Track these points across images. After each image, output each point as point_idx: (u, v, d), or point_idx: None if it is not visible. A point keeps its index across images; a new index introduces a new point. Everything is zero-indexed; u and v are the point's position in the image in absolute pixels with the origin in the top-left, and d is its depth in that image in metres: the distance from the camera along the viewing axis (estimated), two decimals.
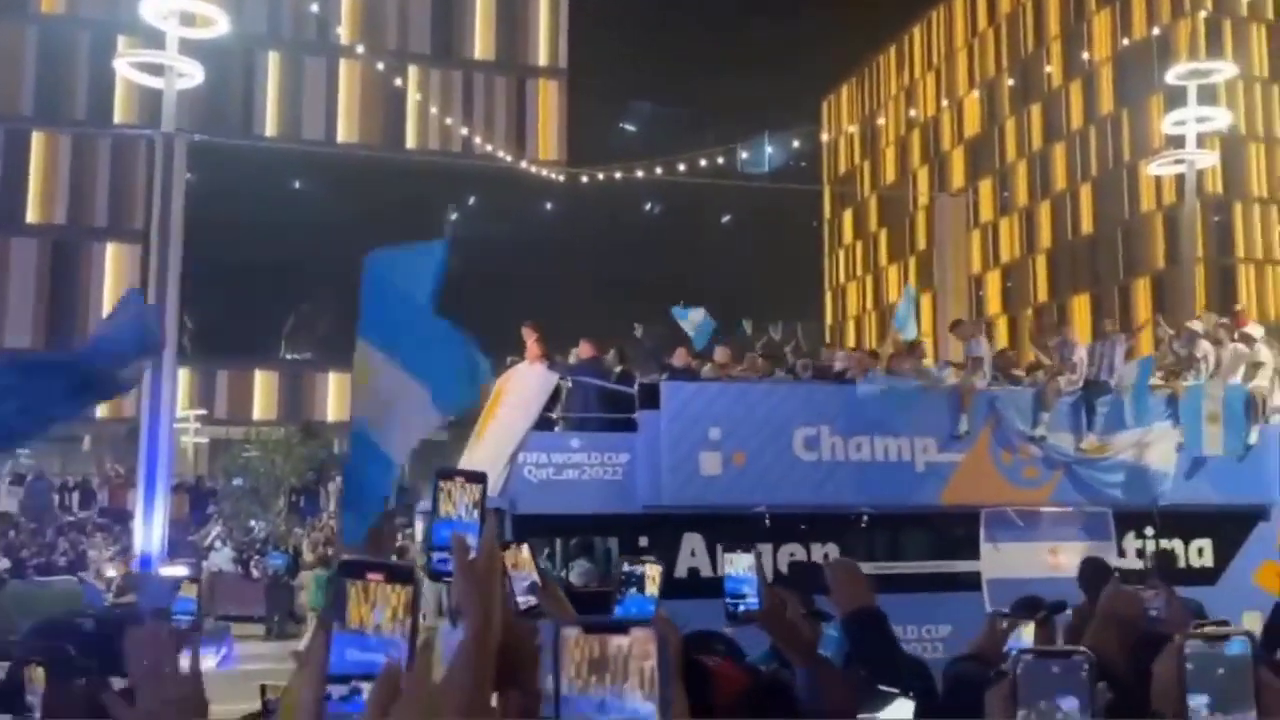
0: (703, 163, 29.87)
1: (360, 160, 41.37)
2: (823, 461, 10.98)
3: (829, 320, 65.74)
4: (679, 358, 12.18)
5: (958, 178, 57.29)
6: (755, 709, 2.19)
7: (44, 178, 39.26)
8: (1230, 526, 11.73)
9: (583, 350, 11.72)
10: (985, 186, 55.87)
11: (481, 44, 44.89)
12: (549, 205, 45.15)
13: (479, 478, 1.54)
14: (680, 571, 10.14)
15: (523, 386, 11.12)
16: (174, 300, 13.65)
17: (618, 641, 0.91)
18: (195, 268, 17.90)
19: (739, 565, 2.42)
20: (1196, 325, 13.10)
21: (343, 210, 39.63)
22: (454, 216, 46.53)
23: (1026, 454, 11.48)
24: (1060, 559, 10.66)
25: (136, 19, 16.11)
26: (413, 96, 40.53)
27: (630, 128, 61.28)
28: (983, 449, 11.40)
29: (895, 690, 2.33)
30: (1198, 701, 1.22)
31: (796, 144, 49.77)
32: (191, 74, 15.28)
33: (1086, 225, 49.65)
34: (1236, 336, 12.51)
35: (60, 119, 38.84)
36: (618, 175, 28.72)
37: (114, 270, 39.12)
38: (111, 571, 17.86)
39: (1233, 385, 11.78)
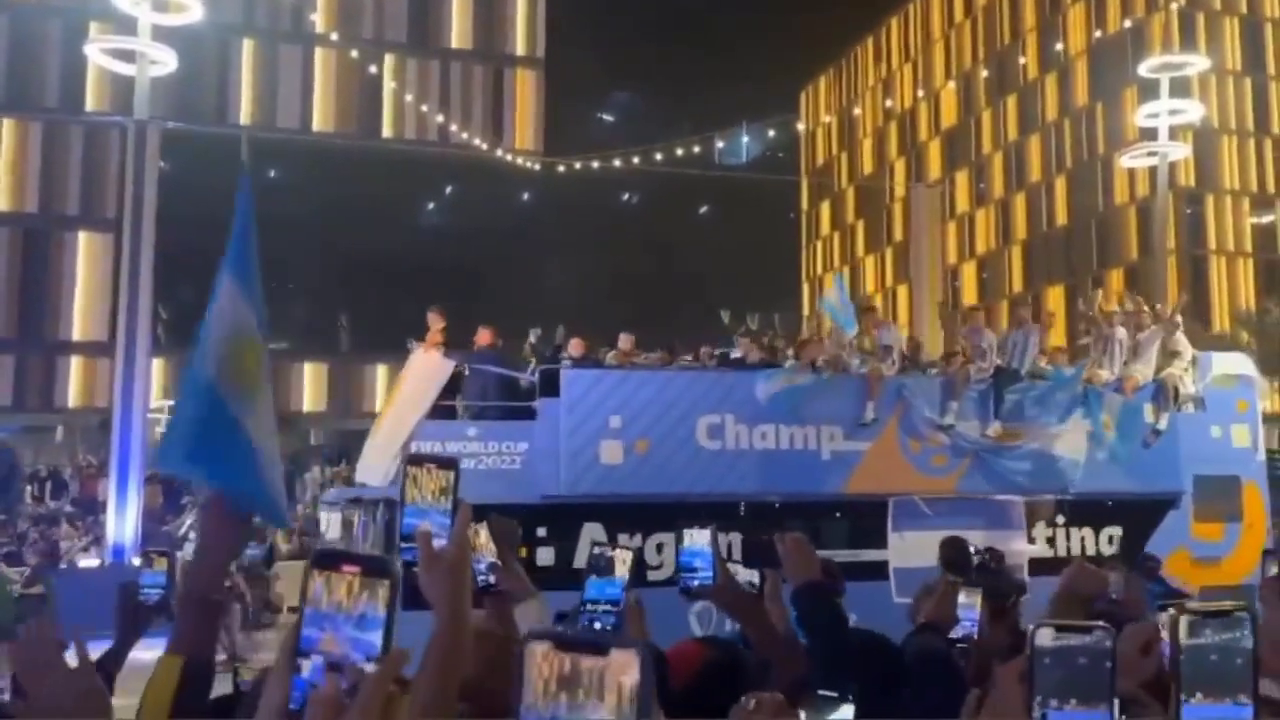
0: (679, 152, 29.86)
1: (336, 149, 41.09)
2: (726, 450, 10.88)
3: (807, 311, 65.97)
4: (574, 348, 12.14)
5: (934, 169, 57.57)
6: (709, 687, 2.23)
7: (14, 165, 38.74)
8: (1140, 515, 11.76)
9: (481, 338, 11.51)
10: (961, 178, 56.18)
11: (459, 33, 44.62)
12: (526, 195, 45.00)
13: (450, 463, 1.51)
14: (580, 561, 9.96)
15: (417, 374, 10.99)
16: (147, 290, 13.55)
17: (593, 662, 0.83)
18: (168, 257, 17.73)
19: (696, 541, 2.46)
20: (1115, 308, 13.17)
21: (318, 199, 39.36)
22: (430, 207, 46.30)
23: (935, 442, 11.43)
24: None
25: (109, 5, 15.94)
26: (389, 85, 40.26)
27: (608, 118, 61.17)
28: (890, 437, 11.37)
29: (835, 694, 2.36)
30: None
31: (774, 134, 49.88)
32: (164, 61, 15.14)
33: (1061, 217, 50.05)
34: (1151, 322, 12.44)
35: (31, 106, 38.32)
36: (595, 165, 28.67)
37: (86, 259, 38.68)
38: (84, 562, 17.72)
39: (1128, 402, 11.78)
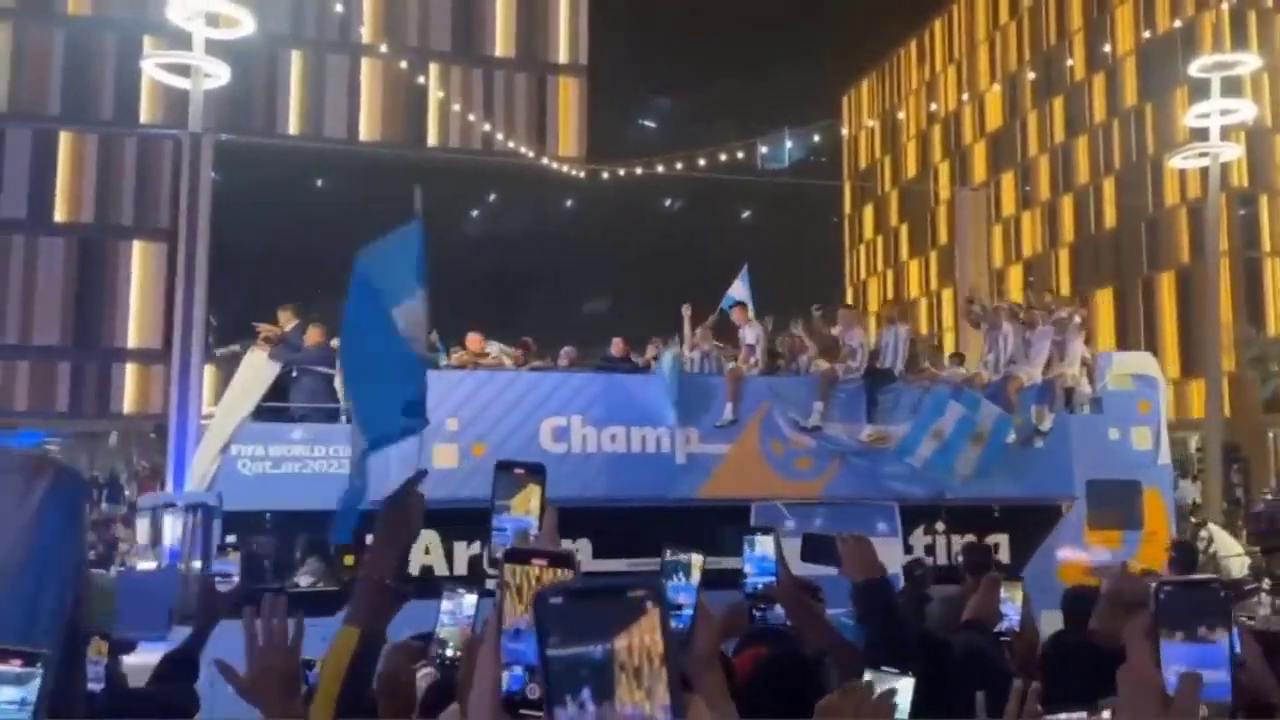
0: (722, 158, 29.88)
1: (382, 158, 41.62)
2: (572, 453, 10.40)
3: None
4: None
5: (979, 172, 56.98)
6: (769, 686, 2.29)
7: (71, 177, 39.71)
8: (1029, 521, 11.21)
9: (310, 336, 11.06)
10: (1007, 180, 55.55)
11: (502, 41, 45.03)
12: (569, 202, 45.26)
13: (540, 470, 1.60)
14: (413, 569, 9.67)
15: (243, 375, 10.70)
16: (201, 297, 13.85)
17: (611, 606, 0.84)
18: (220, 265, 18.11)
19: (761, 547, 2.54)
20: (1004, 308, 12.66)
21: (364, 207, 39.89)
22: (474, 213, 46.73)
23: (799, 444, 10.92)
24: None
25: (163, 20, 16.33)
26: (434, 94, 40.72)
27: (650, 123, 61.29)
28: (751, 439, 10.90)
29: (896, 670, 2.42)
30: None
31: (817, 139, 49.63)
32: (217, 74, 15.47)
33: (1109, 219, 49.30)
34: (1051, 319, 11.78)
35: (87, 119, 39.27)
36: (638, 171, 28.78)
37: (140, 268, 39.55)
38: (142, 565, 18.12)
39: (1002, 416, 11.02)
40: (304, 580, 9.82)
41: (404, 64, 35.61)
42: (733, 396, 10.89)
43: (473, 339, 11.91)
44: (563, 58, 45.75)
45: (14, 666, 1.46)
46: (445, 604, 3.04)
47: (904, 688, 2.18)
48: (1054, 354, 11.64)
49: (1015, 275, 54.87)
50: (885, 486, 10.96)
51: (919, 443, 10.84)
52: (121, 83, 38.15)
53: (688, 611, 1.74)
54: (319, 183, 43.54)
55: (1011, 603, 3.05)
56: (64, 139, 39.54)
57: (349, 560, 9.53)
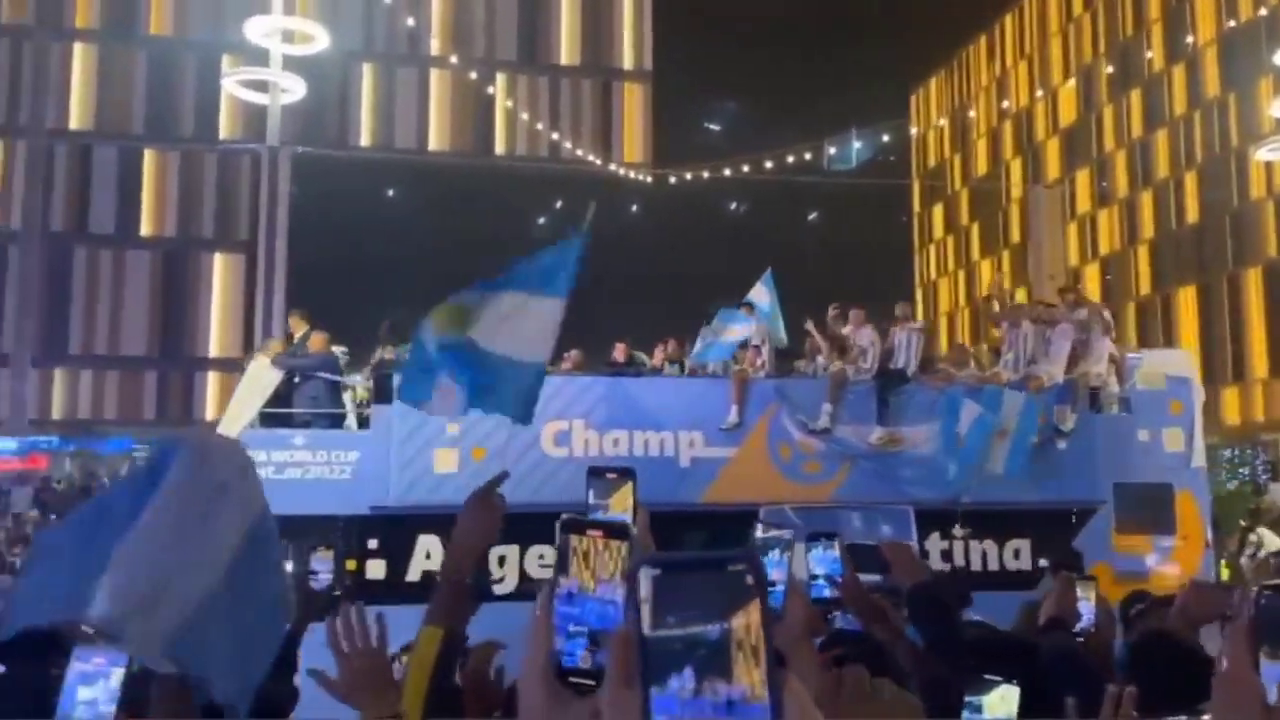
0: (789, 159, 29.75)
1: (451, 167, 42.25)
2: (573, 458, 10.19)
3: (920, 317, 64.67)
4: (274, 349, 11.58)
5: (1053, 169, 55.78)
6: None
7: (155, 193, 41.10)
8: (1052, 526, 10.70)
9: (313, 343, 11.18)
10: (1082, 177, 54.27)
11: (567, 49, 45.42)
12: (635, 207, 45.43)
13: (629, 473, 1.64)
14: (413, 574, 9.59)
15: (245, 382, 10.83)
16: (280, 306, 14.24)
17: (710, 578, 0.83)
18: (297, 274, 18.61)
19: (829, 552, 2.57)
20: (1022, 306, 12.16)
21: (434, 216, 40.56)
22: (587, 227, 47.16)
23: (808, 448, 10.63)
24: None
25: (240, 38, 16.84)
26: (501, 103, 41.25)
27: (716, 127, 61.23)
28: (758, 443, 10.63)
29: (999, 679, 2.40)
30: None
31: (885, 138, 49.13)
32: (293, 89, 15.90)
33: (1192, 214, 47.85)
34: (1078, 314, 11.36)
35: (169, 136, 40.60)
36: (705, 175, 28.81)
37: (221, 279, 40.76)
38: None
39: (1031, 402, 10.63)
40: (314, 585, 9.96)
41: (473, 75, 36.15)
42: (738, 399, 10.68)
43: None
44: (627, 63, 45.98)
45: (98, 665, 1.54)
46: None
47: (1009, 696, 2.18)
48: (1078, 352, 11.28)
49: (1092, 273, 53.58)
50: (898, 490, 10.63)
51: (950, 449, 10.64)
52: (201, 100, 39.40)
53: (780, 588, 1.76)
54: (390, 193, 44.36)
55: (1087, 601, 3.03)
56: (148, 156, 40.94)
57: (351, 565, 9.59)
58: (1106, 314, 11.91)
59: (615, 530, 1.10)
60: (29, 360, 38.04)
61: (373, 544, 9.61)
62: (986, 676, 2.33)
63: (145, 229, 40.94)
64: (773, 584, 1.81)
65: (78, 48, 40.48)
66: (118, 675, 1.56)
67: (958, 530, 10.68)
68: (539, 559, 9.86)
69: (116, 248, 40.41)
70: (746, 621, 0.81)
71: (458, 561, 2.13)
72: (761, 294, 12.26)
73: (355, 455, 9.93)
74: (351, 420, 10.97)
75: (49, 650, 1.85)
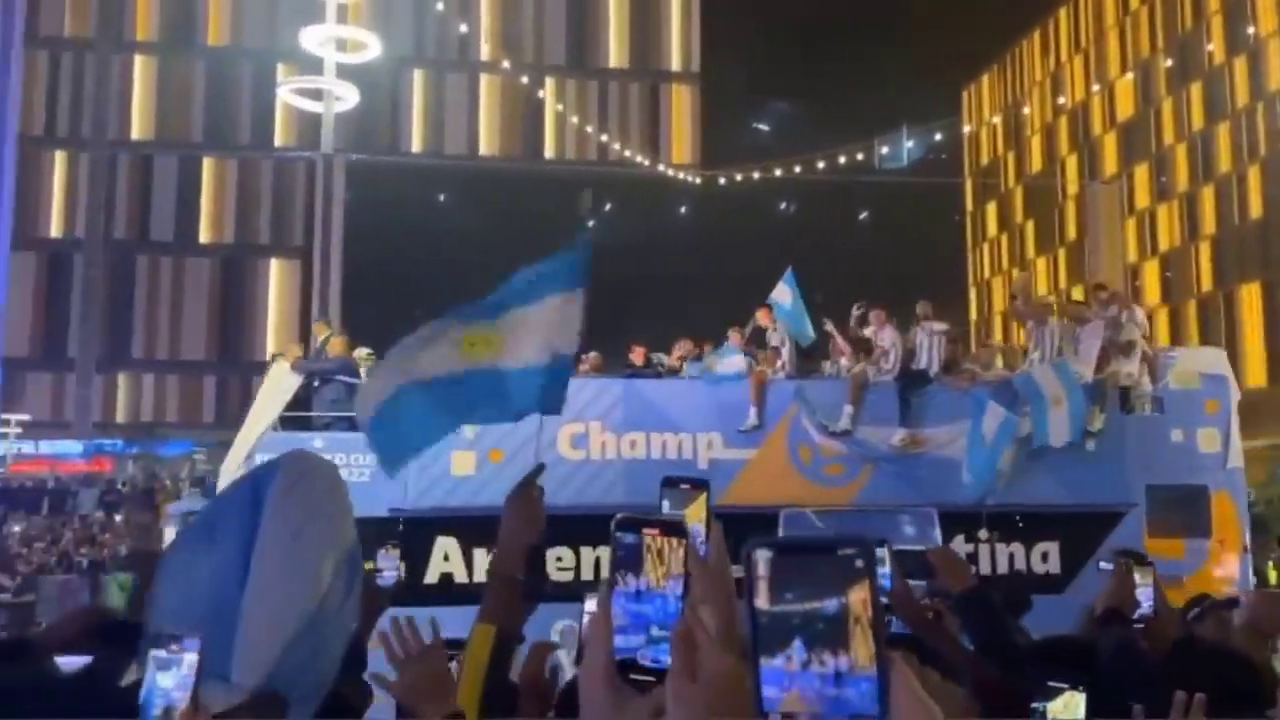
0: (840, 159, 29.54)
1: (501, 171, 42.60)
2: (590, 460, 10.17)
3: (973, 316, 63.81)
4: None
5: (1110, 164, 54.73)
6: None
7: (214, 200, 41.97)
8: (1081, 529, 10.34)
9: (332, 347, 11.35)
10: (1141, 172, 53.17)
11: (616, 52, 45.57)
12: (684, 208, 45.41)
13: (703, 485, 1.66)
14: (431, 576, 9.62)
15: (267, 386, 10.92)
16: (336, 308, 14.47)
17: (821, 563, 0.84)
18: (351, 279, 18.87)
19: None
20: (1048, 302, 11.78)
21: (484, 220, 40.90)
22: (590, 224, 47.37)
23: (829, 450, 10.45)
24: None
25: (294, 47, 17.13)
26: (550, 107, 41.50)
27: (764, 127, 61.02)
28: (778, 444, 10.46)
29: (1064, 685, 2.36)
30: None
31: (937, 137, 48.58)
32: (346, 97, 16.13)
33: (1255, 209, 46.64)
34: (1109, 312, 10.98)
35: (226, 144, 41.44)
36: (754, 175, 28.71)
37: (277, 283, 41.50)
38: None
39: (1062, 363, 10.43)
40: None
41: (523, 79, 36.42)
42: (756, 401, 10.55)
43: None
44: (675, 65, 46.00)
45: (174, 652, 1.58)
46: (588, 604, 3.12)
47: (1075, 702, 2.14)
48: (1109, 351, 11.01)
49: (1151, 270, 52.50)
50: (922, 492, 10.40)
51: (974, 451, 10.43)
52: (257, 108, 40.17)
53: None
54: (441, 197, 44.81)
55: (1145, 588, 2.94)
56: (206, 164, 41.81)
57: (369, 566, 9.72)
58: (1140, 312, 11.63)
59: (672, 528, 1.11)
60: (94, 365, 39.05)
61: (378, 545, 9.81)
62: (1051, 683, 2.29)
63: (204, 236, 41.83)
64: None
65: (138, 59, 41.49)
66: (191, 661, 1.62)
67: (983, 533, 10.47)
68: (556, 561, 9.91)
69: (176, 255, 41.35)
70: (857, 598, 0.83)
71: (507, 559, 2.12)
72: (784, 293, 11.99)
73: (373, 458, 9.88)
74: None
75: (130, 638, 1.91)
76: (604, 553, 9.60)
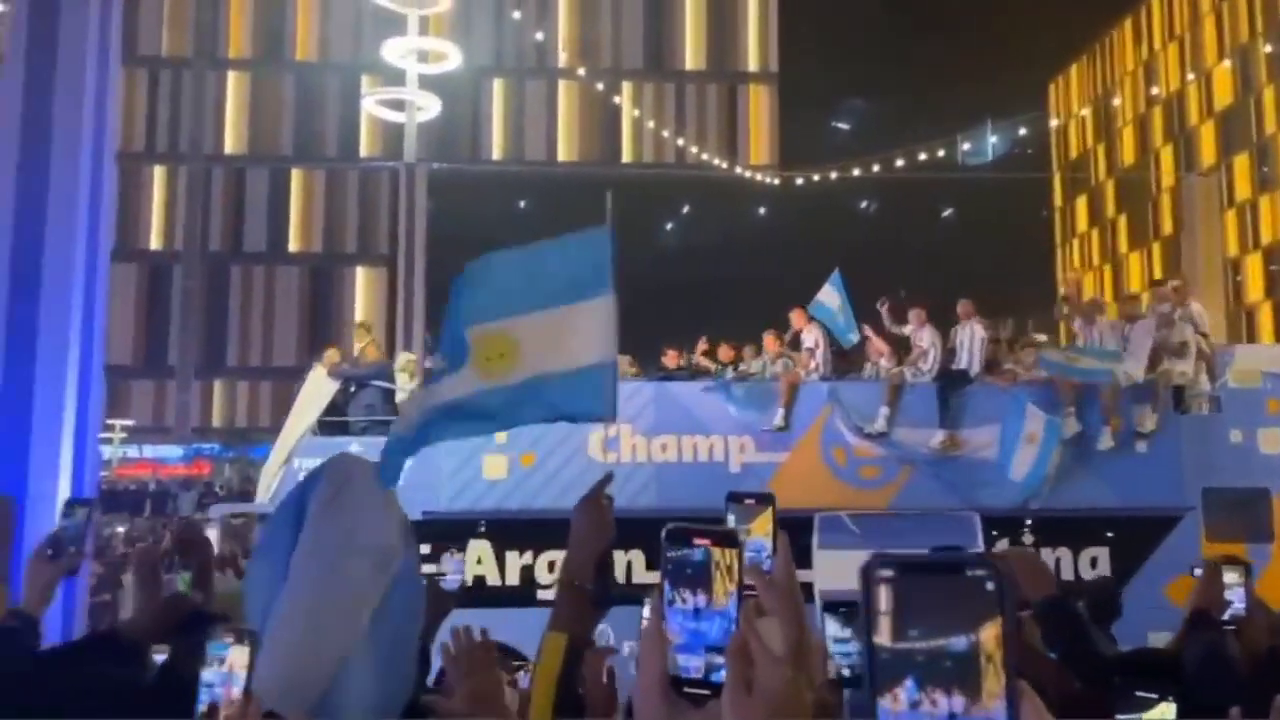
0: (921, 156, 29.03)
1: (579, 176, 42.95)
2: (621, 463, 10.04)
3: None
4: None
5: (1207, 155, 52.73)
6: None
7: (303, 211, 43.18)
8: (1133, 534, 10.00)
9: (368, 353, 11.60)
10: (1240, 163, 51.13)
11: (692, 54, 45.56)
12: (762, 210, 45.16)
13: (768, 498, 1.65)
14: (466, 578, 9.65)
15: (306, 391, 11.03)
16: (419, 316, 14.74)
17: (947, 583, 0.76)
18: (436, 286, 19.22)
19: None
20: (1096, 301, 11.24)
21: (563, 226, 41.20)
22: (669, 226, 47.40)
23: (864, 452, 10.23)
24: None
25: (378, 59, 17.53)
26: (628, 111, 41.67)
27: (844, 125, 60.34)
28: (811, 447, 10.28)
29: (1154, 695, 2.29)
30: None
31: (1022, 131, 47.39)
32: (429, 107, 16.43)
33: None
34: (1162, 309, 10.56)
35: (314, 156, 42.59)
36: (833, 175, 28.40)
37: (364, 291, 42.49)
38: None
39: (1106, 404, 10.02)
40: None
41: (599, 85, 36.64)
42: (785, 403, 10.44)
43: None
44: (753, 66, 45.79)
45: (229, 640, 1.62)
46: (647, 610, 3.12)
47: (1167, 713, 2.08)
48: (1161, 350, 10.58)
49: (1253, 264, 50.42)
50: (963, 495, 10.16)
51: (1013, 454, 10.18)
52: (344, 120, 41.20)
53: None
54: (521, 204, 45.38)
55: (1237, 589, 2.82)
56: (295, 176, 43.04)
57: (432, 569, 9.85)
58: (1196, 307, 11.19)
59: (725, 538, 1.08)
60: (192, 372, 40.49)
61: (425, 549, 9.83)
62: (1140, 694, 2.22)
63: (293, 245, 43.05)
64: None
65: (231, 76, 42.93)
66: (241, 656, 1.64)
67: (1027, 538, 10.12)
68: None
69: (268, 264, 42.64)
70: (986, 632, 0.75)
71: (576, 567, 2.11)
72: (830, 295, 11.88)
73: (408, 461, 10.10)
74: None
75: (200, 630, 1.96)
76: (635, 556, 9.65)
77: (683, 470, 10.30)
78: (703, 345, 12.65)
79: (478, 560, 9.90)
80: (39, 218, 5.79)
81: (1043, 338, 11.78)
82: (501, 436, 9.93)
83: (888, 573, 0.77)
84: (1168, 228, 52.46)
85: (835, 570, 9.44)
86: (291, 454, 10.43)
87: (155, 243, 42.29)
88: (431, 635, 2.97)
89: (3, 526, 2.30)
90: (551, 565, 9.60)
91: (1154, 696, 2.23)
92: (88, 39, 6.25)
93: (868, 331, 11.50)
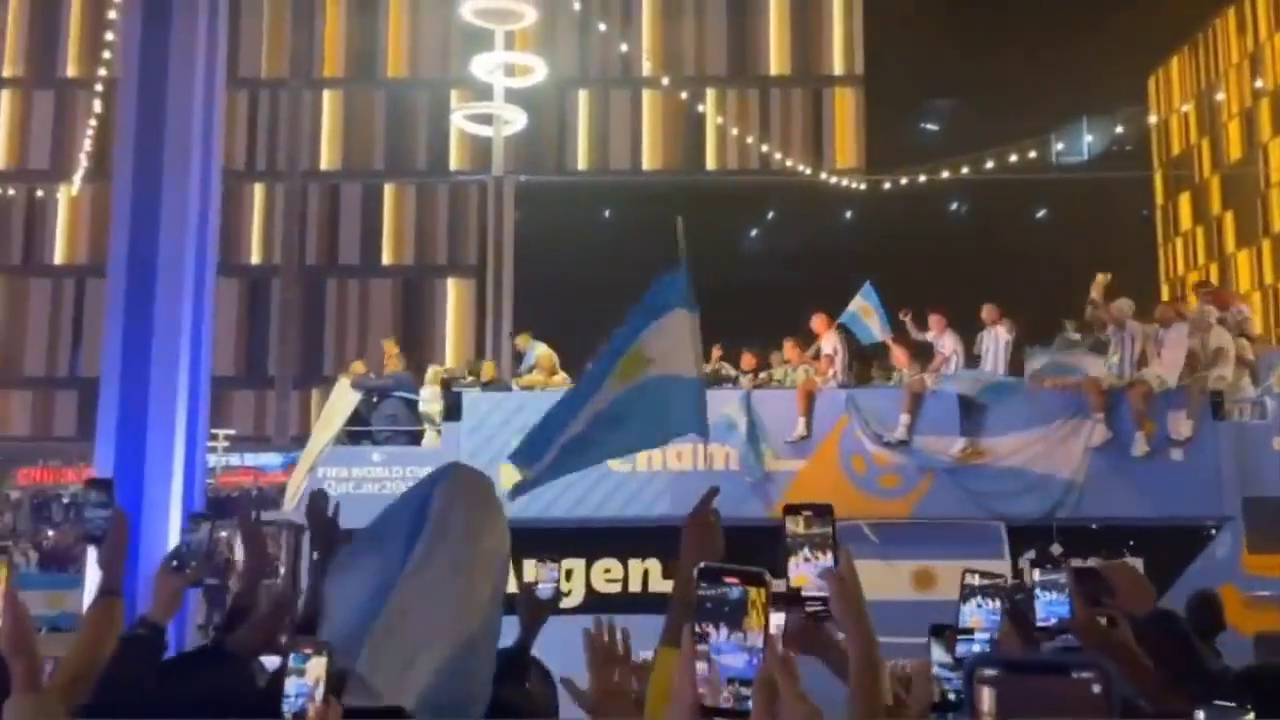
0: (1013, 157, 28.38)
1: (664, 185, 43.06)
2: (637, 472, 9.98)
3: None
4: (486, 372, 12.22)
5: None
6: None
7: (395, 224, 44.24)
8: (1168, 544, 9.57)
9: (389, 365, 11.81)
10: None
11: (777, 59, 45.32)
12: (849, 214, 44.63)
13: (826, 510, 1.68)
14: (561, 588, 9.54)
15: (331, 402, 11.24)
16: (508, 325, 15.01)
17: (1052, 684, 0.74)
18: (523, 296, 19.51)
19: (1053, 580, 2.41)
20: (1125, 305, 10.63)
21: (650, 234, 41.39)
22: (753, 233, 47.19)
23: (883, 460, 10.04)
24: (937, 577, 9.12)
25: (466, 74, 17.92)
26: (712, 119, 41.65)
27: (933, 127, 59.30)
28: (829, 455, 10.14)
29: (1233, 704, 2.22)
30: None
31: (1120, 128, 45.95)
32: (515, 120, 16.74)
33: None
34: (1200, 314, 10.21)
35: (406, 171, 43.61)
36: (921, 179, 27.97)
37: (455, 302, 43.34)
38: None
39: (1138, 410, 9.74)
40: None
41: (684, 94, 36.73)
42: (804, 411, 10.34)
43: (545, 357, 12.30)
44: (838, 69, 45.33)
45: (308, 652, 1.69)
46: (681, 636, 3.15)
47: None
48: (1199, 355, 10.23)
49: None
50: (986, 505, 9.95)
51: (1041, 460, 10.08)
52: (433, 135, 42.11)
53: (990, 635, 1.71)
54: (606, 213, 45.68)
55: None
56: (387, 190, 44.13)
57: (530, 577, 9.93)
58: (1239, 309, 10.76)
59: (752, 577, 1.16)
60: (290, 382, 41.79)
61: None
62: (1217, 703, 2.16)
63: (386, 258, 44.12)
64: (986, 633, 1.70)
65: (326, 95, 44.23)
66: (318, 668, 1.69)
67: (1055, 548, 9.77)
68: (605, 573, 10.01)
69: (362, 277, 43.77)
70: None
71: (688, 583, 2.16)
72: (864, 308, 11.66)
73: (427, 471, 10.25)
74: (431, 437, 11.35)
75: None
76: (652, 565, 9.75)
77: (698, 479, 10.22)
78: (717, 352, 12.57)
79: None
80: (152, 235, 6.09)
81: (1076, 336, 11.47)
82: (518, 445, 10.22)
83: (991, 672, 0.75)
84: (1278, 224, 50.21)
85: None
86: (316, 463, 10.68)
87: (255, 257, 43.77)
88: (530, 640, 3.06)
89: (120, 538, 2.42)
90: (570, 573, 9.62)
91: (1232, 705, 2.17)
92: (196, 63, 6.58)
93: (888, 341, 11.39)
